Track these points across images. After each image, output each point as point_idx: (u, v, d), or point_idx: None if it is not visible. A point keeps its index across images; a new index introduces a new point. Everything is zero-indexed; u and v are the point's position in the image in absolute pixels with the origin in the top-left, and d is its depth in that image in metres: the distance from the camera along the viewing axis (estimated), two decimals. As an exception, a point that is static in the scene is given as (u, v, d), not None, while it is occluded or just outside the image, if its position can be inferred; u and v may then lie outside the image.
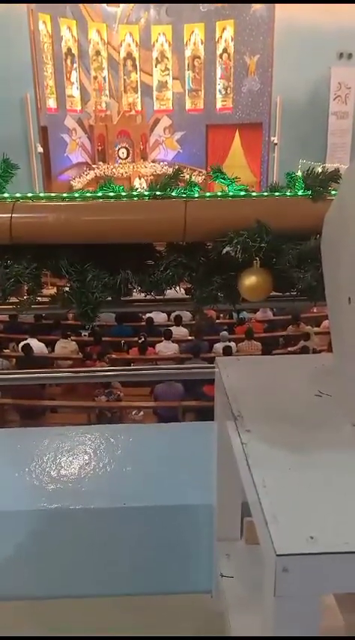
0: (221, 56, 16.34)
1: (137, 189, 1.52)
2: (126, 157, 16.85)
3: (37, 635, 1.43)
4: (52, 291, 1.55)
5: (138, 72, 17.21)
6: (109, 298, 1.48)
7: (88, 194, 1.51)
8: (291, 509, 0.76)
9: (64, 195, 1.51)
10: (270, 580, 0.70)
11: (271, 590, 0.69)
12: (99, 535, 1.49)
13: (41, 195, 1.53)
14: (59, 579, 1.52)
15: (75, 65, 16.43)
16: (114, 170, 16.18)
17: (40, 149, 14.64)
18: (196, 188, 1.47)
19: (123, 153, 16.83)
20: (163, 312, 8.29)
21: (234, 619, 1.16)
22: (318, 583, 0.71)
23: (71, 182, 15.89)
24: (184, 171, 1.77)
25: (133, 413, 6.39)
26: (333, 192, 1.40)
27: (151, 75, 17.25)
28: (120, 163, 16.72)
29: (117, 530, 1.48)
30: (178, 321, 8.04)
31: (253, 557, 1.26)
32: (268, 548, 0.71)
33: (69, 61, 16.25)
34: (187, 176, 1.56)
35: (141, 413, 6.38)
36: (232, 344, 7.23)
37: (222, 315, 8.41)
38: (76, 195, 1.52)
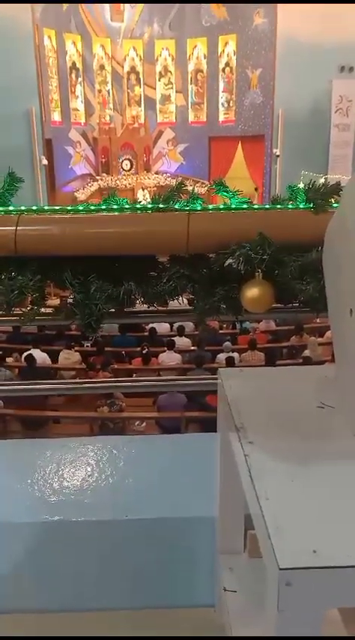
0: (223, 70, 16.53)
1: (140, 201, 1.54)
2: (130, 169, 17.00)
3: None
4: (56, 301, 1.56)
5: (142, 85, 17.42)
6: (113, 309, 1.48)
7: (92, 207, 1.52)
8: (294, 521, 0.76)
9: (68, 207, 1.52)
10: (273, 594, 0.69)
11: (274, 605, 0.69)
12: (102, 547, 1.48)
13: (46, 207, 1.54)
14: (60, 592, 1.51)
15: (79, 79, 16.64)
16: (117, 182, 16.32)
17: (45, 161, 14.78)
18: (199, 201, 1.48)
19: (126, 165, 16.98)
20: (166, 322, 8.30)
21: (237, 633, 1.15)
22: (322, 597, 0.70)
23: (75, 193, 16.03)
24: (187, 183, 1.79)
25: (136, 423, 6.37)
26: (335, 205, 1.41)
27: (155, 88, 17.46)
28: (124, 175, 16.87)
29: (119, 542, 1.48)
30: (181, 332, 8.05)
31: (256, 571, 1.25)
32: (271, 561, 0.70)
33: (73, 75, 16.46)
34: (190, 188, 1.58)
35: (144, 423, 6.36)
36: (235, 354, 7.23)
37: (225, 325, 8.41)
38: (80, 208, 1.53)
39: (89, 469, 1.63)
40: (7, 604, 1.50)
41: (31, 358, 6.83)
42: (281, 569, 0.68)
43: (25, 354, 7.07)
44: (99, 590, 1.51)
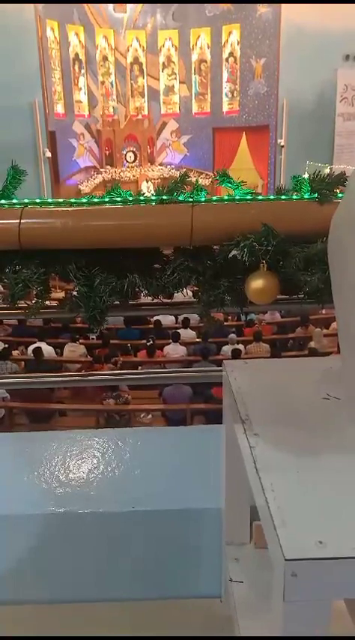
0: (227, 60, 16.37)
1: (144, 193, 1.53)
2: (134, 161, 16.93)
3: (45, 636, 1.43)
4: (61, 294, 1.56)
5: (145, 76, 17.29)
6: (117, 302, 1.48)
7: (96, 199, 1.52)
8: (300, 513, 0.76)
9: (72, 200, 1.52)
10: (279, 585, 0.69)
11: (280, 595, 0.69)
12: (108, 539, 1.49)
13: (49, 200, 1.54)
14: (67, 583, 1.52)
15: (82, 71, 16.54)
16: (121, 174, 16.28)
17: (49, 154, 14.75)
18: (203, 192, 1.47)
19: (130, 157, 16.92)
20: (171, 314, 8.29)
21: (243, 624, 1.15)
22: (328, 588, 0.70)
23: (79, 186, 16.00)
24: (191, 174, 1.78)
25: (142, 416, 6.40)
26: (340, 195, 1.40)
27: (158, 79, 17.32)
28: (128, 167, 16.81)
29: (125, 534, 1.48)
30: (186, 324, 8.05)
31: (263, 562, 1.25)
32: (277, 552, 0.70)
33: (76, 67, 16.36)
34: (194, 179, 1.57)
35: (150, 416, 6.38)
36: (241, 346, 7.22)
37: (230, 317, 8.40)
38: (84, 200, 1.53)
39: (95, 461, 1.63)
40: (15, 595, 1.51)
41: (39, 351, 6.84)
42: (286, 560, 0.68)
43: (33, 346, 7.09)
44: (106, 581, 1.52)
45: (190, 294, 1.57)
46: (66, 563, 1.51)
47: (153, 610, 1.49)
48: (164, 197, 1.48)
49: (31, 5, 13.74)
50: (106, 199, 1.50)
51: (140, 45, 17.07)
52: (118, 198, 1.50)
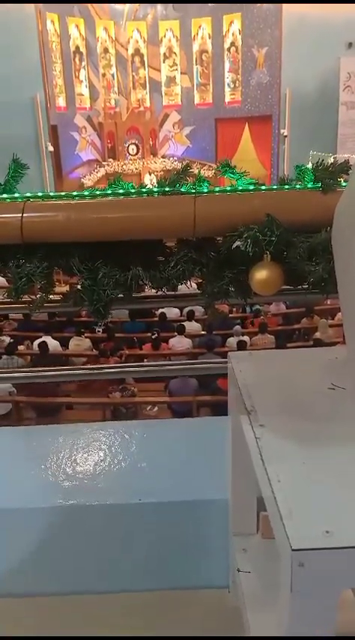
0: (229, 50, 16.23)
1: (146, 185, 1.52)
2: (136, 153, 16.87)
3: (51, 635, 1.44)
4: (65, 288, 1.56)
5: (147, 68, 17.18)
6: (121, 295, 1.48)
7: (98, 192, 1.51)
8: (306, 503, 0.76)
9: (74, 193, 1.51)
10: (286, 575, 0.69)
11: (287, 586, 0.69)
12: (115, 531, 1.50)
13: (51, 194, 1.54)
14: (74, 575, 1.53)
15: (83, 63, 16.45)
16: (124, 166, 16.23)
17: (51, 148, 14.72)
18: (205, 183, 1.46)
19: (132, 149, 16.85)
20: (176, 307, 8.30)
21: (251, 614, 1.16)
22: (335, 578, 0.70)
23: (82, 180, 15.97)
24: (194, 166, 1.77)
25: (148, 408, 6.42)
26: (343, 184, 1.39)
27: (159, 70, 17.21)
28: (130, 160, 16.75)
29: (132, 526, 1.49)
30: (191, 316, 8.05)
31: (270, 552, 1.26)
32: (283, 543, 0.70)
33: (77, 60, 16.27)
34: (196, 171, 1.56)
35: (156, 408, 6.40)
36: (246, 338, 7.22)
37: (235, 309, 8.39)
38: (86, 193, 1.52)
39: (102, 454, 1.64)
40: (24, 588, 1.52)
41: (44, 345, 6.86)
42: (293, 550, 0.68)
43: (38, 341, 7.11)
44: (113, 573, 1.53)
45: (195, 286, 1.57)
46: (73, 555, 1.52)
47: (161, 601, 1.50)
48: (166, 189, 1.47)
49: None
50: (108, 192, 1.49)
51: (141, 36, 16.94)
52: (120, 191, 1.49)
